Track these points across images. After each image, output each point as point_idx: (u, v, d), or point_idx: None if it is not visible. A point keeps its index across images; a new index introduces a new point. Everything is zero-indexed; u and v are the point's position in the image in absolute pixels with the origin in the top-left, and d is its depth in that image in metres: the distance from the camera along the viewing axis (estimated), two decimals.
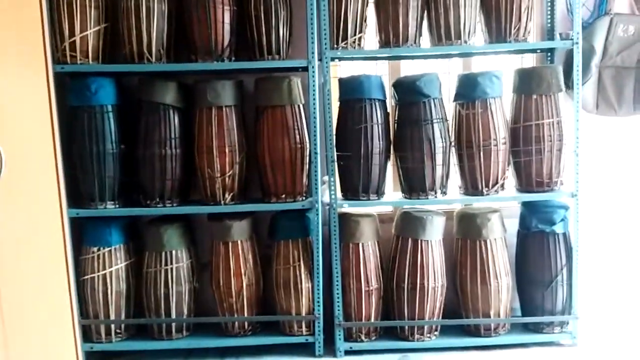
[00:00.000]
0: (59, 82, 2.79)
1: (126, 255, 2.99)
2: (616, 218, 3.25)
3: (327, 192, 2.92)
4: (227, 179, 2.90)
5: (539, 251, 2.93)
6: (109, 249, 2.92)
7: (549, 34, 3.05)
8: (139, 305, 3.04)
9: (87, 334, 2.97)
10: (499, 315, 2.94)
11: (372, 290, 2.95)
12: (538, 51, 3.09)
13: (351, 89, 2.90)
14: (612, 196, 3.23)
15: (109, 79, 2.87)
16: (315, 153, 2.86)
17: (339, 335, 2.95)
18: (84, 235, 2.95)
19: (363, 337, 3.00)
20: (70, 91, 2.85)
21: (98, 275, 2.91)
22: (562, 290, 2.92)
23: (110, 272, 2.93)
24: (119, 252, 2.96)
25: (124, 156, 2.92)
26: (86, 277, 2.91)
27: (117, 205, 2.93)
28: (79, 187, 2.90)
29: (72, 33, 2.77)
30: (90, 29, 2.79)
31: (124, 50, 2.86)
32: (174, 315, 2.96)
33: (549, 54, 3.04)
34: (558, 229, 2.89)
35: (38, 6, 2.41)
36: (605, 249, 3.26)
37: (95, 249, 2.92)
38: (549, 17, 3.04)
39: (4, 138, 2.17)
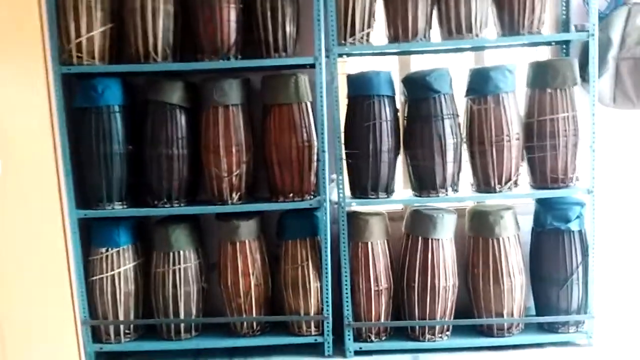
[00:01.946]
0: (66, 83, 2.80)
1: (134, 255, 2.98)
2: (633, 215, 3.15)
3: (336, 190, 2.88)
4: (234, 178, 2.87)
5: (553, 249, 2.85)
6: (117, 249, 2.91)
7: (564, 25, 2.95)
8: (148, 305, 3.03)
9: (96, 335, 2.97)
10: (512, 315, 2.88)
11: (381, 289, 2.90)
12: (553, 44, 2.99)
13: (359, 86, 2.84)
14: (629, 192, 3.13)
15: (115, 79, 2.85)
16: (323, 151, 2.81)
17: (349, 335, 2.91)
18: (92, 236, 2.95)
19: (373, 337, 2.95)
20: (77, 92, 2.84)
21: (107, 276, 2.91)
22: (578, 288, 2.84)
23: (119, 273, 2.92)
24: (127, 252, 2.95)
25: (131, 156, 2.90)
26: (95, 277, 2.91)
27: (125, 206, 2.91)
28: (86, 188, 2.90)
29: (78, 34, 2.75)
30: (96, 29, 2.77)
31: (130, 50, 2.83)
32: (182, 316, 2.95)
33: (564, 46, 2.95)
34: (573, 226, 2.81)
35: (37, 9, 2.39)
36: (622, 247, 3.16)
37: (103, 249, 2.91)
38: (564, 8, 2.94)
39: (3, 141, 2.17)
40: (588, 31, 2.69)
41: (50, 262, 2.48)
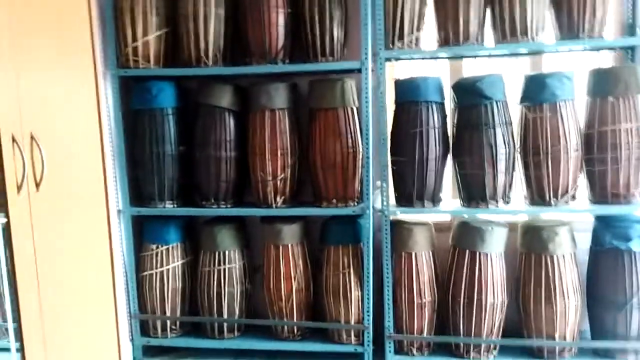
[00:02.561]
0: (123, 86, 2.93)
1: (183, 253, 3.06)
2: None
3: (380, 198, 2.81)
4: (278, 182, 2.88)
5: (612, 270, 2.64)
6: (167, 247, 3.01)
7: (630, 29, 2.73)
8: (194, 303, 3.10)
9: (144, 329, 3.08)
10: (564, 338, 2.69)
11: (425, 302, 2.81)
12: (617, 49, 2.77)
13: (407, 91, 2.77)
14: None
15: (169, 82, 2.94)
16: (368, 157, 2.76)
17: (389, 347, 2.83)
18: (144, 232, 3.06)
19: (414, 351, 2.86)
20: (133, 95, 2.97)
21: (156, 272, 3.01)
22: (638, 313, 2.61)
23: (167, 270, 3.01)
24: (176, 250, 3.03)
25: (182, 157, 2.99)
26: (145, 273, 3.02)
27: (175, 205, 3.00)
28: (140, 186, 3.01)
29: (134, 38, 2.86)
30: (152, 34, 2.87)
31: (183, 54, 2.91)
32: (225, 315, 3.00)
33: (630, 51, 2.72)
34: (635, 246, 2.59)
35: (87, 13, 2.52)
36: None
37: (154, 246, 3.02)
38: (631, 10, 2.71)
39: (52, 141, 2.30)
40: None
41: (93, 257, 2.59)
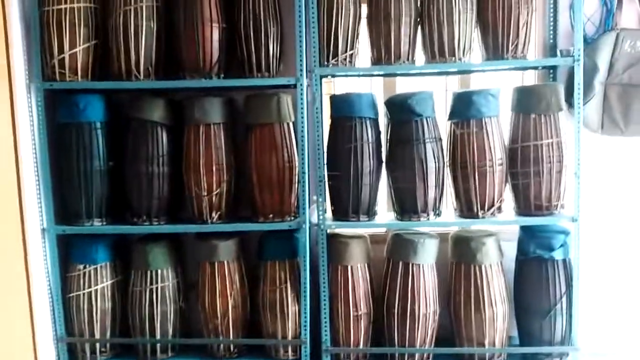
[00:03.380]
0: (50, 99, 2.81)
1: (112, 273, 2.95)
2: (620, 244, 3.05)
3: (316, 212, 2.84)
4: (214, 197, 2.84)
5: (537, 278, 2.78)
6: (95, 266, 2.89)
7: (552, 50, 2.90)
8: (125, 324, 2.99)
9: (72, 352, 2.94)
10: (494, 345, 2.80)
11: (361, 315, 2.85)
12: (539, 68, 2.95)
13: (341, 107, 2.82)
14: (615, 221, 3.03)
15: (97, 95, 2.85)
16: (304, 172, 2.78)
17: None
18: (71, 252, 2.93)
19: None
20: (59, 108, 2.85)
21: (84, 293, 2.88)
22: (562, 319, 2.76)
23: (96, 290, 2.89)
24: (105, 269, 2.92)
25: (111, 173, 2.89)
26: (72, 294, 2.89)
27: (104, 223, 2.89)
28: (66, 203, 2.89)
29: (61, 50, 2.75)
30: (80, 46, 2.76)
31: (114, 67, 2.83)
32: (158, 335, 2.91)
33: (552, 71, 2.90)
34: (557, 255, 2.74)
35: (1, 25, 2.41)
36: (608, 277, 3.06)
37: (81, 266, 2.89)
38: (552, 32, 2.89)
39: None
40: (573, 56, 2.64)
41: (11, 280, 2.47)
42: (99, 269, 2.90)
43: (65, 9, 2.72)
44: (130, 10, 2.73)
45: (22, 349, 2.56)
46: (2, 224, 2.50)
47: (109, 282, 2.93)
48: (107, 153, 2.87)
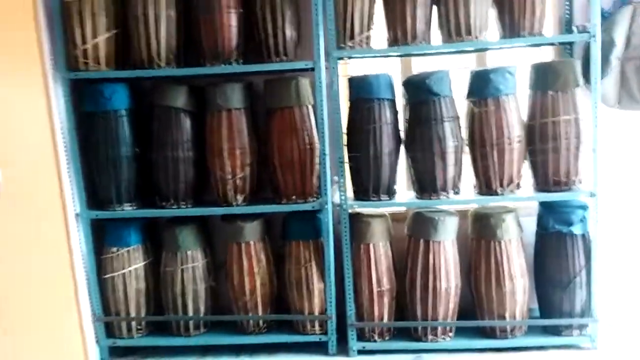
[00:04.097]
0: (75, 88, 2.90)
1: (144, 255, 3.08)
2: (637, 218, 3.07)
3: (338, 192, 2.91)
4: (238, 180, 2.93)
5: (556, 252, 2.83)
6: (128, 249, 3.02)
7: (568, 26, 2.88)
8: (159, 302, 3.13)
9: (110, 330, 3.10)
10: (515, 317, 2.87)
11: (384, 290, 2.93)
12: (556, 44, 2.94)
13: (360, 89, 2.86)
14: (633, 195, 3.05)
15: (122, 84, 2.93)
16: (324, 154, 2.84)
17: (352, 334, 2.95)
18: (105, 236, 3.06)
19: (376, 337, 2.99)
20: (85, 97, 2.94)
21: (118, 274, 3.02)
22: (581, 292, 2.81)
23: (130, 271, 3.03)
24: (137, 252, 3.05)
25: (138, 159, 3.00)
26: (107, 276, 3.03)
27: (134, 207, 3.01)
28: (97, 189, 3.00)
29: (84, 40, 2.83)
30: (101, 35, 2.84)
31: (136, 55, 2.90)
32: (190, 313, 3.05)
33: (568, 47, 2.89)
34: (576, 229, 2.78)
35: (32, 17, 2.49)
36: (626, 250, 3.10)
37: (114, 249, 3.03)
38: (568, 8, 2.87)
39: (5, 150, 2.28)
40: (589, 32, 2.63)
41: (52, 262, 2.59)
42: (131, 251, 3.03)
43: None
44: None
45: (69, 328, 2.70)
46: (45, 210, 2.61)
47: (142, 263, 3.06)
48: (133, 140, 2.97)
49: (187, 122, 2.95)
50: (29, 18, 2.56)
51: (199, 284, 3.05)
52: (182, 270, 3.02)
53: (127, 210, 3.00)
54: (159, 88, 2.95)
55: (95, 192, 3.01)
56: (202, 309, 3.08)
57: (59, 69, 2.82)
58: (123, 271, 3.02)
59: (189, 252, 3.02)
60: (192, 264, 3.03)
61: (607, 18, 2.82)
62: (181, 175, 2.96)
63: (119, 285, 3.03)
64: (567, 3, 2.88)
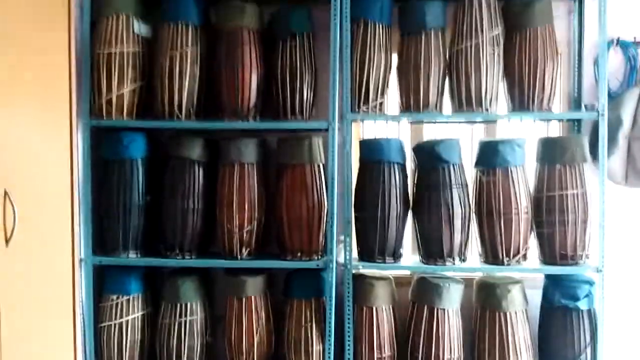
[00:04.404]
0: (93, 135, 2.97)
1: (143, 304, 3.03)
2: None
3: (343, 252, 2.91)
4: (245, 234, 2.94)
5: (561, 327, 2.78)
6: (128, 297, 2.98)
7: (576, 103, 2.99)
8: (153, 356, 3.06)
9: None
10: None
11: (384, 357, 2.86)
12: (564, 120, 3.03)
13: (370, 151, 2.93)
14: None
15: (141, 133, 3.01)
16: (332, 213, 2.87)
17: None
18: (105, 282, 3.03)
19: None
20: (103, 144, 3.01)
21: (115, 323, 2.96)
22: None
23: (127, 321, 2.97)
24: (137, 300, 3.01)
25: (148, 207, 3.02)
26: (103, 324, 2.97)
27: (139, 255, 3.00)
28: (105, 235, 3.01)
29: (109, 90, 2.92)
30: (127, 87, 2.94)
31: (158, 107, 2.99)
32: None
33: (576, 123, 2.98)
34: (582, 305, 2.75)
35: (67, 65, 2.60)
36: (633, 328, 3.05)
37: (114, 296, 2.99)
38: (577, 86, 2.99)
39: (25, 196, 2.32)
40: (598, 111, 2.72)
41: (60, 308, 2.57)
42: (131, 299, 2.99)
43: (115, 52, 2.90)
44: (176, 55, 2.91)
45: None
46: (54, 255, 2.62)
47: (140, 313, 3.01)
48: (145, 188, 3.00)
49: (200, 174, 3.00)
50: (64, 69, 2.67)
51: (195, 339, 2.97)
52: (180, 323, 2.96)
53: (132, 257, 2.99)
54: (176, 139, 3.02)
55: (102, 238, 3.02)
56: None
57: (82, 115, 2.90)
58: (120, 320, 2.97)
59: (188, 304, 2.98)
60: (190, 317, 2.98)
61: (614, 98, 2.92)
62: (189, 225, 2.97)
63: (114, 335, 2.96)
64: (576, 82, 3.00)
